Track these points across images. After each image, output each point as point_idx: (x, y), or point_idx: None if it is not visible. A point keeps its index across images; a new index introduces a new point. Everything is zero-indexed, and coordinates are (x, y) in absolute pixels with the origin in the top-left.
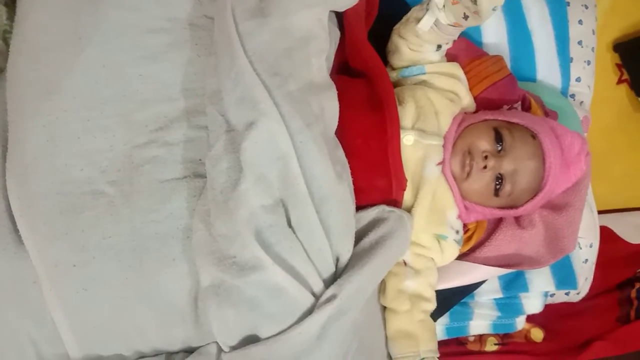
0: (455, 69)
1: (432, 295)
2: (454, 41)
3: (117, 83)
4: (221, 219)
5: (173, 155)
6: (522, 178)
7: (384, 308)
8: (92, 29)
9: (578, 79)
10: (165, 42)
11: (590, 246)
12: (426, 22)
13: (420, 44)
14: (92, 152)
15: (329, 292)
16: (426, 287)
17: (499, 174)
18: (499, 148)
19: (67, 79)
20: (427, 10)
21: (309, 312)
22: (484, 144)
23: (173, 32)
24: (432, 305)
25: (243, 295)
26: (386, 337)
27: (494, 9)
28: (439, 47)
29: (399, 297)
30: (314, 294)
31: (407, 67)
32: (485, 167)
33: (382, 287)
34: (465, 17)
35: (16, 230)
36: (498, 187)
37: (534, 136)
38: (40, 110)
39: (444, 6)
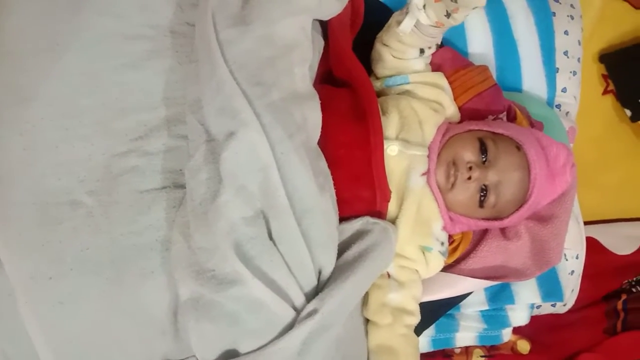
0: (440, 78)
1: (416, 309)
2: (439, 49)
3: (96, 91)
4: (200, 231)
5: (153, 165)
6: (506, 189)
7: (367, 321)
8: (71, 36)
9: (564, 90)
10: (146, 49)
11: (577, 257)
12: (407, 24)
13: (403, 50)
14: (70, 162)
15: (310, 307)
16: (410, 300)
17: (484, 185)
18: (484, 159)
19: (45, 86)
20: (407, 13)
21: (290, 327)
22: (469, 154)
23: (154, 40)
24: (415, 319)
25: (222, 310)
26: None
27: (474, 8)
28: (422, 51)
29: (381, 310)
30: (295, 308)
31: (390, 76)
32: (469, 178)
33: (365, 300)
34: (447, 15)
35: None
36: (482, 198)
37: (519, 147)
38: (16, 118)
39: (424, 6)
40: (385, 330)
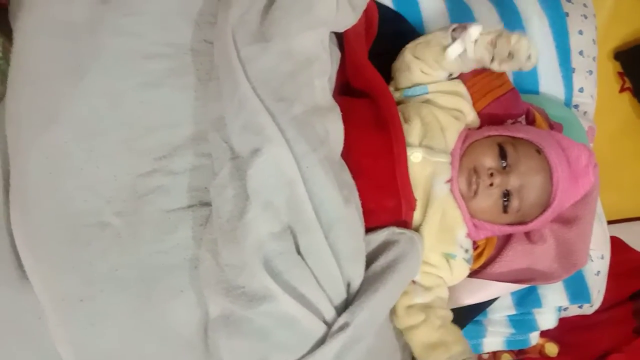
0: (458, 85)
1: (445, 306)
2: None
3: (118, 111)
4: (228, 248)
5: (178, 184)
6: (529, 193)
7: (399, 331)
8: (91, 56)
9: (581, 89)
10: (166, 67)
11: (602, 258)
12: (455, 51)
13: (435, 68)
14: (96, 183)
15: (342, 320)
16: (437, 299)
17: (506, 190)
18: (504, 164)
19: (68, 108)
20: (456, 39)
21: (322, 341)
22: (489, 160)
23: (174, 58)
24: (447, 312)
25: (253, 326)
26: None
27: (519, 69)
28: (450, 75)
29: (410, 312)
30: (326, 322)
31: (410, 87)
32: (491, 184)
33: (392, 309)
34: (492, 60)
35: (21, 266)
36: (506, 203)
37: (539, 151)
38: (42, 142)
39: (476, 40)
40: (423, 327)
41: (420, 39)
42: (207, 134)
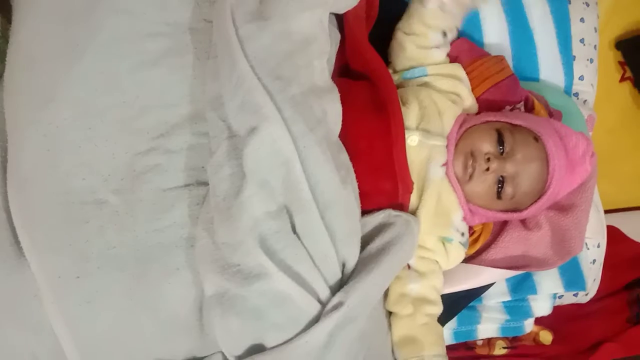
0: (457, 69)
1: (437, 299)
2: (455, 41)
3: (116, 90)
4: (224, 226)
5: (175, 163)
6: (524, 181)
7: (390, 313)
8: (88, 36)
9: (581, 78)
10: (164, 46)
11: (598, 246)
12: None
13: (426, 33)
14: (93, 161)
15: (336, 300)
16: (430, 289)
17: (501, 176)
18: (501, 150)
19: (66, 87)
20: None
21: (316, 320)
22: (487, 145)
23: (172, 37)
24: (437, 309)
25: (247, 304)
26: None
27: None
28: (445, 34)
29: (401, 300)
30: (320, 302)
31: (409, 68)
32: (487, 169)
33: (385, 292)
34: None
35: (17, 242)
36: (500, 189)
37: (536, 138)
38: (39, 120)
39: None
40: (407, 321)
41: (404, 15)
42: (205, 113)
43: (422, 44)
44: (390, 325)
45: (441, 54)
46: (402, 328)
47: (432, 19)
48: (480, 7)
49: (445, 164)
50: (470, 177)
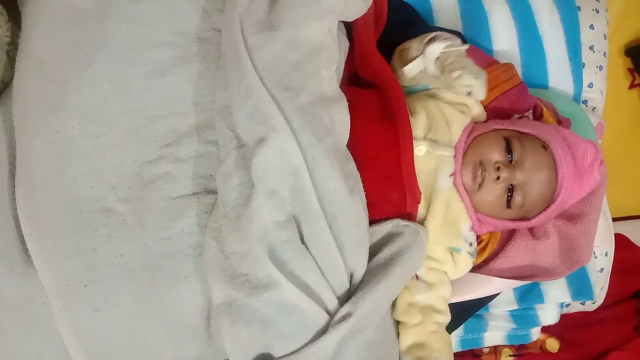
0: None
1: (445, 308)
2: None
3: (125, 98)
4: (233, 236)
5: (183, 171)
6: (533, 189)
7: (398, 324)
8: (99, 44)
9: (590, 85)
10: (173, 55)
11: (606, 255)
12: (413, 68)
13: (407, 77)
14: (102, 169)
15: (344, 310)
16: (439, 300)
17: (510, 185)
18: (510, 159)
19: (75, 94)
20: (420, 55)
21: (324, 330)
22: (496, 154)
23: (181, 46)
24: (445, 318)
25: (256, 314)
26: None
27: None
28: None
29: (409, 310)
30: (328, 312)
31: (413, 85)
32: (498, 178)
33: (393, 302)
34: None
35: (25, 250)
36: (509, 198)
37: (545, 146)
38: (48, 127)
39: (437, 59)
40: (416, 329)
41: (404, 44)
42: (213, 121)
43: (402, 78)
44: (398, 335)
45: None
46: (411, 336)
47: (409, 77)
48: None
49: (453, 174)
50: (480, 186)
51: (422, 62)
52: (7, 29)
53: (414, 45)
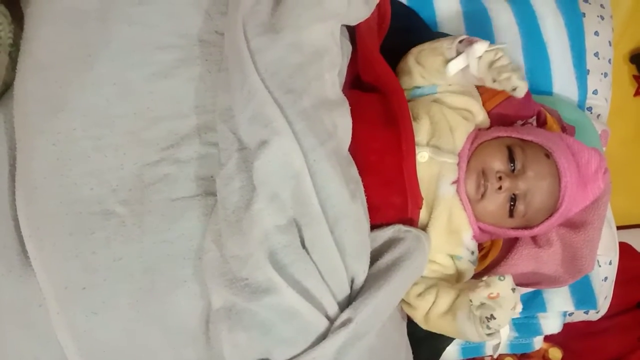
0: (468, 85)
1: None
2: None
3: (127, 100)
4: (233, 239)
5: (184, 173)
6: (535, 198)
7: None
8: (101, 46)
9: (595, 92)
10: (175, 58)
11: (610, 263)
12: (455, 66)
13: (435, 77)
14: (102, 171)
15: (344, 316)
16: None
17: (513, 194)
18: (512, 167)
19: (77, 96)
20: (461, 52)
21: (324, 336)
22: (498, 163)
23: (184, 48)
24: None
25: (255, 319)
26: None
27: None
28: (450, 85)
29: (422, 295)
30: (328, 317)
31: (419, 87)
32: (500, 187)
33: (406, 305)
34: (494, 81)
35: (24, 252)
36: (512, 207)
37: (548, 155)
38: (49, 128)
39: (480, 57)
40: (439, 301)
41: (426, 45)
42: (214, 123)
43: (427, 77)
44: (398, 341)
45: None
46: (439, 309)
47: (448, 75)
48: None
49: (456, 182)
50: (482, 196)
51: (465, 60)
52: (10, 30)
53: (444, 44)
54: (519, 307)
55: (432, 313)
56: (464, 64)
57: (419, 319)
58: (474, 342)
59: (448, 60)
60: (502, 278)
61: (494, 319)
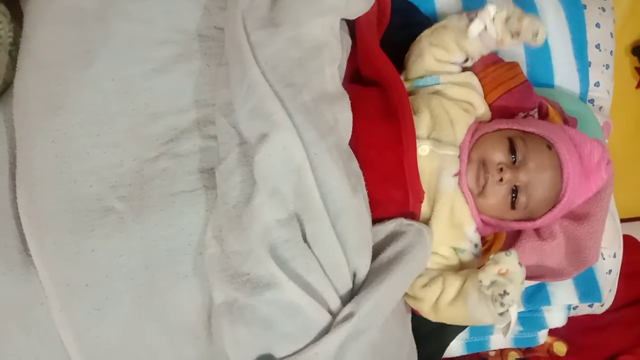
0: (470, 77)
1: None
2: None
3: (126, 97)
4: (234, 234)
5: (184, 166)
6: (537, 190)
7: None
8: (100, 43)
9: (597, 84)
10: (174, 53)
11: (614, 256)
12: (476, 28)
13: (454, 51)
14: (101, 168)
15: (347, 310)
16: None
17: (514, 186)
18: (513, 159)
19: (76, 93)
20: (476, 16)
21: (326, 331)
22: (499, 155)
23: (182, 44)
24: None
25: (257, 314)
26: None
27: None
28: (466, 60)
29: (427, 285)
30: (330, 312)
31: (421, 76)
32: (501, 179)
33: (412, 298)
34: (512, 35)
35: (25, 250)
36: (514, 199)
37: (550, 146)
38: (48, 126)
39: (493, 18)
40: (446, 290)
41: (436, 25)
42: (214, 117)
43: (442, 58)
44: (401, 337)
45: (456, 69)
46: (448, 297)
47: (468, 44)
48: (526, 43)
49: (457, 174)
50: (484, 188)
51: (481, 22)
52: (10, 29)
53: (453, 20)
54: (523, 278)
55: (441, 302)
56: (482, 25)
57: (426, 311)
58: (478, 338)
59: (466, 28)
60: (508, 253)
61: (507, 294)
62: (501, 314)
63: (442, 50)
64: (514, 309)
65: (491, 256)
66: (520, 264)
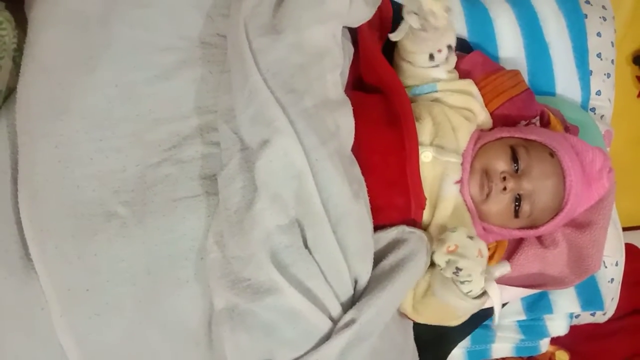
0: (469, 85)
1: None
2: (469, 54)
3: (129, 102)
4: (235, 240)
5: (186, 172)
6: (540, 198)
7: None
8: (103, 48)
9: (598, 92)
10: (177, 60)
11: (616, 265)
12: (399, 31)
13: (412, 57)
14: (104, 173)
15: (348, 317)
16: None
17: (518, 194)
18: (516, 167)
19: (79, 98)
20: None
21: (327, 337)
22: (502, 164)
23: (185, 50)
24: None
25: (258, 320)
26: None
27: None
28: (431, 57)
29: (425, 297)
30: (331, 318)
31: (417, 85)
32: (504, 188)
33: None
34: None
35: (26, 255)
36: (517, 208)
37: (552, 154)
38: (51, 131)
39: (415, 13)
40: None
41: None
42: (216, 123)
43: (416, 64)
44: (403, 343)
45: (441, 72)
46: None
47: (409, 46)
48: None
49: (459, 181)
50: (487, 197)
51: (405, 23)
52: (14, 35)
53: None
54: (485, 251)
55: (415, 300)
56: (406, 25)
57: (410, 312)
58: (480, 346)
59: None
60: (453, 229)
61: (460, 269)
62: (469, 293)
63: (408, 61)
64: (494, 287)
65: (440, 237)
66: (471, 237)
